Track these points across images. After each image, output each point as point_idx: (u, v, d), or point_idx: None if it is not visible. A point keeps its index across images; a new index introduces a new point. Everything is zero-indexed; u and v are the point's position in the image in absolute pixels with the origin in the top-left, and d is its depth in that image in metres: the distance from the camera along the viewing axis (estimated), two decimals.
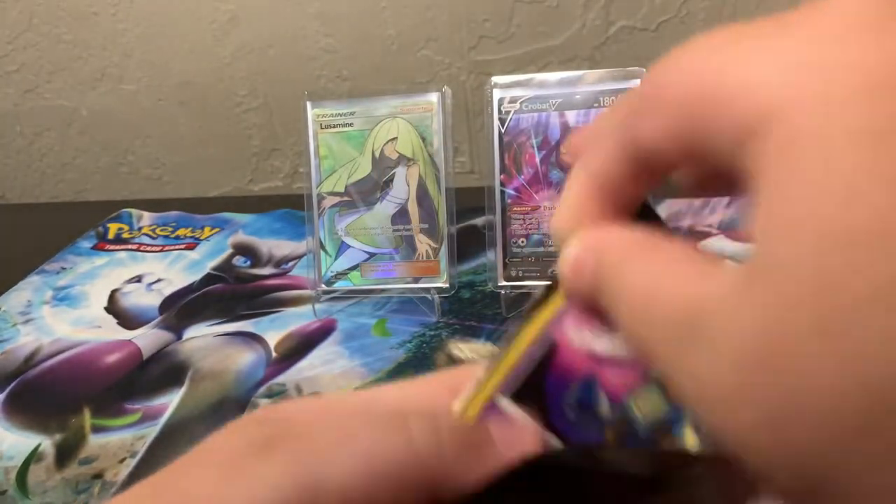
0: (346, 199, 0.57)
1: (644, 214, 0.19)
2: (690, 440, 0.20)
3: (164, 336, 0.58)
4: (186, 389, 0.51)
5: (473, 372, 0.19)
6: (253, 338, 0.56)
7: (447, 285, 0.55)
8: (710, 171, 0.15)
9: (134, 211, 0.82)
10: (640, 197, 0.17)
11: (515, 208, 0.54)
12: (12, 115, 1.00)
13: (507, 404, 0.19)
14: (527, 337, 0.19)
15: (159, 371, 0.53)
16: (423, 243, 0.56)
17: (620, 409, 0.20)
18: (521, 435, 0.19)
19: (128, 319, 0.61)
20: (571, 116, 0.52)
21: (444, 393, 0.20)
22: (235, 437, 0.18)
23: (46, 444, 0.47)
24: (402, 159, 0.55)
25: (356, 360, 0.52)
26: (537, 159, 0.53)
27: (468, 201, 0.62)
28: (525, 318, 0.19)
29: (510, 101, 0.53)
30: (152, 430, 0.47)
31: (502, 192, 0.54)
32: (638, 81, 0.52)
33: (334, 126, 0.56)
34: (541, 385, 0.19)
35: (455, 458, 0.18)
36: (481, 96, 0.87)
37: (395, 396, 0.21)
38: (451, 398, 0.20)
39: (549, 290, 0.18)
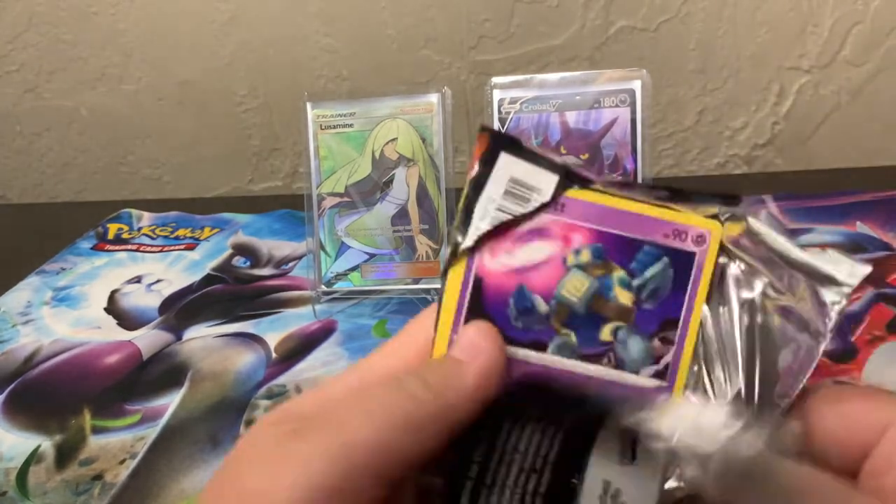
0: (346, 199, 0.57)
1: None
2: (623, 297, 0.23)
3: (164, 337, 0.58)
4: (186, 390, 0.51)
5: (429, 323, 0.23)
6: (253, 339, 0.56)
7: None
8: None
9: (134, 211, 0.82)
10: None
11: None
12: (12, 114, 1.00)
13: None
14: (454, 284, 0.23)
15: (159, 372, 0.53)
16: (423, 244, 0.56)
17: (555, 300, 0.23)
18: (478, 343, 0.22)
19: (127, 320, 0.61)
20: (571, 117, 0.52)
21: (419, 344, 0.24)
22: (262, 438, 0.21)
23: (46, 445, 0.47)
24: (402, 160, 0.55)
25: (357, 361, 0.52)
26: None
27: None
28: (449, 270, 0.23)
29: (510, 102, 0.53)
30: (152, 431, 0.47)
31: None
32: (638, 82, 0.52)
33: (334, 127, 0.56)
34: (482, 310, 0.23)
35: (447, 393, 0.21)
36: (481, 96, 0.87)
37: (382, 364, 0.24)
38: (423, 348, 0.24)
39: (457, 248, 0.23)
